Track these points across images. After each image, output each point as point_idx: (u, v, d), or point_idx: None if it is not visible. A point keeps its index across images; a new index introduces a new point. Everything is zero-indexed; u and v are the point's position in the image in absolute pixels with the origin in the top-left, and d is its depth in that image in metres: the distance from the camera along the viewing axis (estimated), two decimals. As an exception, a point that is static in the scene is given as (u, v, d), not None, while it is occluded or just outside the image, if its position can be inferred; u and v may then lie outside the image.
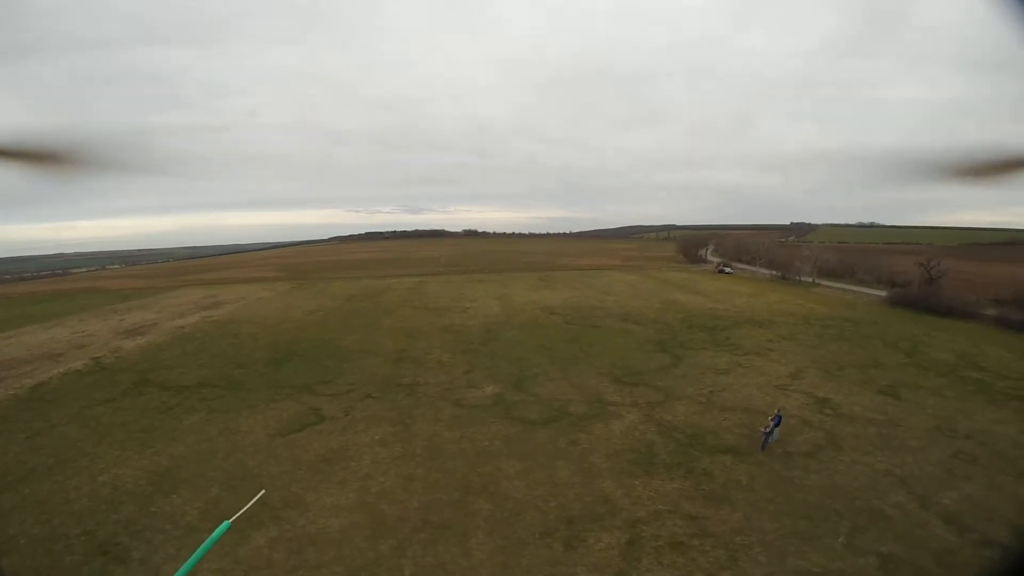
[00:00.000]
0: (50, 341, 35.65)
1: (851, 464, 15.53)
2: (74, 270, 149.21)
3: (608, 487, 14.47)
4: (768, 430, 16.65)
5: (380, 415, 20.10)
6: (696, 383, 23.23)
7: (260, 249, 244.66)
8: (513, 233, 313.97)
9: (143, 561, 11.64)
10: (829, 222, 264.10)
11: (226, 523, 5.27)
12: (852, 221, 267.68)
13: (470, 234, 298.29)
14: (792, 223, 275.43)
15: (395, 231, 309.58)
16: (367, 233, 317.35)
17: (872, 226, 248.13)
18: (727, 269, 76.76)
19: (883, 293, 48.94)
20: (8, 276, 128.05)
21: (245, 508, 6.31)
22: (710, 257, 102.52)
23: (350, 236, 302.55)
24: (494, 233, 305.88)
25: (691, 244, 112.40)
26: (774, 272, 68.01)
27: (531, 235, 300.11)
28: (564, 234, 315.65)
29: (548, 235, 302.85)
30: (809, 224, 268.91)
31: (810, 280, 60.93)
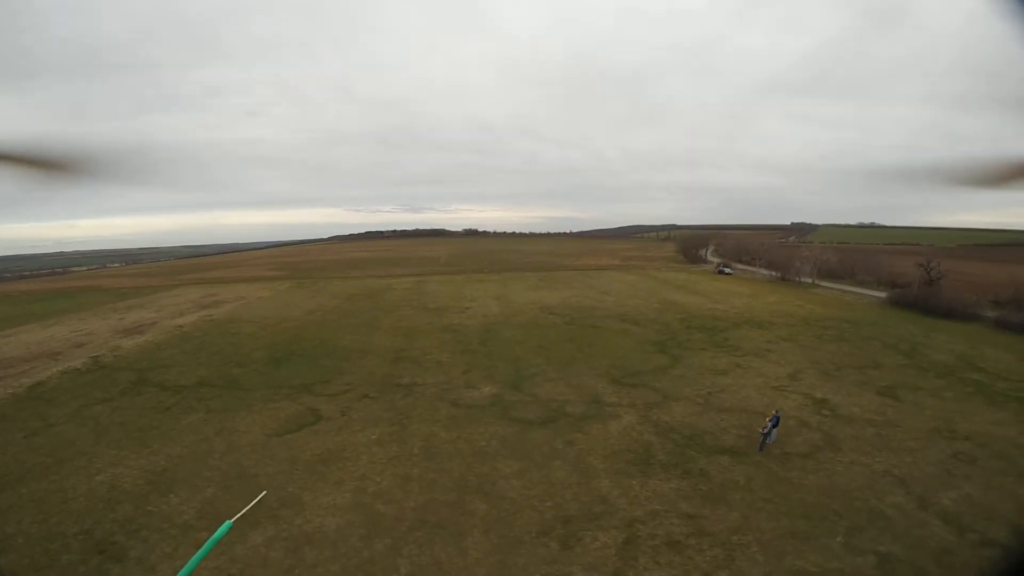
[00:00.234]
0: (49, 339, 35.66)
1: (849, 465, 15.51)
2: (74, 268, 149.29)
3: (605, 487, 14.45)
4: (766, 431, 16.62)
5: (377, 415, 20.09)
6: (694, 384, 23.21)
7: (260, 248, 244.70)
8: (513, 233, 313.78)
9: (139, 560, 11.63)
10: (830, 222, 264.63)
11: (228, 523, 5.27)
12: (853, 221, 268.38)
13: (471, 233, 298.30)
14: (793, 223, 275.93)
15: (395, 230, 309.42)
16: (367, 232, 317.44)
17: (872, 226, 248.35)
18: (727, 270, 76.69)
19: (883, 294, 48.89)
20: (9, 274, 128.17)
21: (247, 508, 6.31)
22: (710, 257, 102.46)
23: (350, 235, 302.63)
24: (494, 232, 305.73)
25: (691, 244, 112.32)
26: (774, 273, 67.95)
27: (531, 235, 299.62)
28: (564, 234, 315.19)
29: (548, 235, 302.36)
30: (810, 224, 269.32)
31: (810, 281, 60.88)
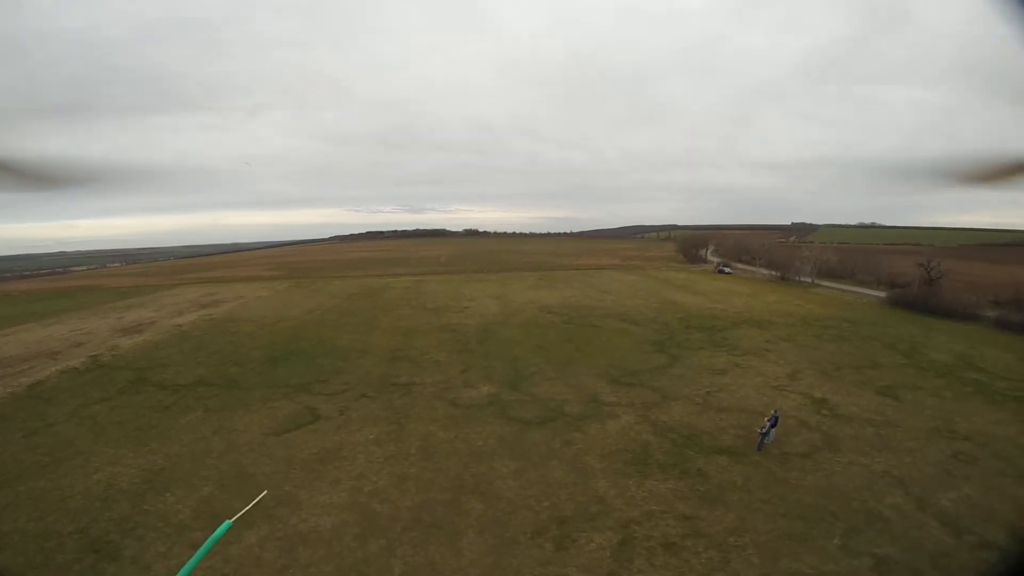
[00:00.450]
0: (48, 339, 35.68)
1: (848, 465, 15.45)
2: (74, 268, 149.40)
3: (602, 487, 14.41)
4: (764, 431, 16.57)
5: (375, 414, 20.06)
6: (693, 384, 23.15)
7: (260, 248, 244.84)
8: (514, 233, 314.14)
9: (134, 559, 11.61)
10: (830, 222, 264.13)
11: (227, 523, 5.23)
12: (853, 222, 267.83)
13: (471, 233, 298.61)
14: (793, 223, 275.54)
15: (396, 230, 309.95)
16: (368, 232, 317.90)
17: (872, 227, 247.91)
18: (727, 269, 76.65)
19: (882, 294, 48.81)
20: (9, 274, 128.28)
21: (247, 508, 6.28)
22: (710, 257, 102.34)
23: (351, 235, 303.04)
24: (495, 233, 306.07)
25: (691, 244, 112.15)
26: (773, 272, 67.87)
27: (532, 235, 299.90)
28: (564, 234, 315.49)
29: (548, 235, 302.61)
30: (810, 224, 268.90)
31: (809, 281, 60.79)
